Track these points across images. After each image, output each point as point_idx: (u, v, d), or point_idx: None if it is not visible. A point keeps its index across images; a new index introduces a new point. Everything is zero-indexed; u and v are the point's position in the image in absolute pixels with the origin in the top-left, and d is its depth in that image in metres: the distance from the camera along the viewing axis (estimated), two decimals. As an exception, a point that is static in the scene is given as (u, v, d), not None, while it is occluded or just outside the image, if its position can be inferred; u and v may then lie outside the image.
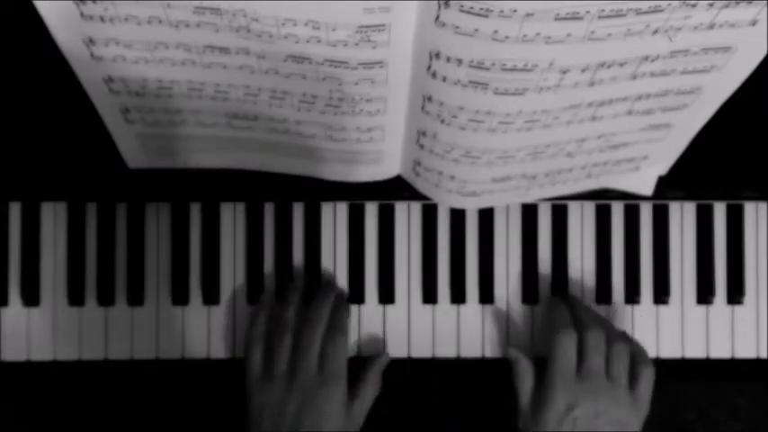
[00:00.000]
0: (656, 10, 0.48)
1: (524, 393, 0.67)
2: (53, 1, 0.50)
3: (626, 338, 0.69)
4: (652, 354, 0.72)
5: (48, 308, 0.72)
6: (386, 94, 0.57)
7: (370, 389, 0.69)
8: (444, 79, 0.54)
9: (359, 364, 0.70)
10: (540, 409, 0.65)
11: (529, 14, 0.47)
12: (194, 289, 0.73)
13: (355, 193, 0.71)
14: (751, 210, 0.74)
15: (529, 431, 0.66)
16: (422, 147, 0.63)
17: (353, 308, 0.73)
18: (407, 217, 0.74)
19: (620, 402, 0.65)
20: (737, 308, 0.74)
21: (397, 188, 0.69)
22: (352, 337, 0.72)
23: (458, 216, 0.73)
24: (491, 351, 0.73)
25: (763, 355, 0.73)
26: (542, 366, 0.67)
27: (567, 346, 0.66)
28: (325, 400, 0.65)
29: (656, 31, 0.51)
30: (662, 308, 0.74)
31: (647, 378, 0.66)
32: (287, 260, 0.73)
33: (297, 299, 0.70)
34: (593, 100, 0.57)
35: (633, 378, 0.66)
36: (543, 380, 0.66)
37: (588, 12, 0.47)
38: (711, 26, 0.51)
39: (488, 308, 0.73)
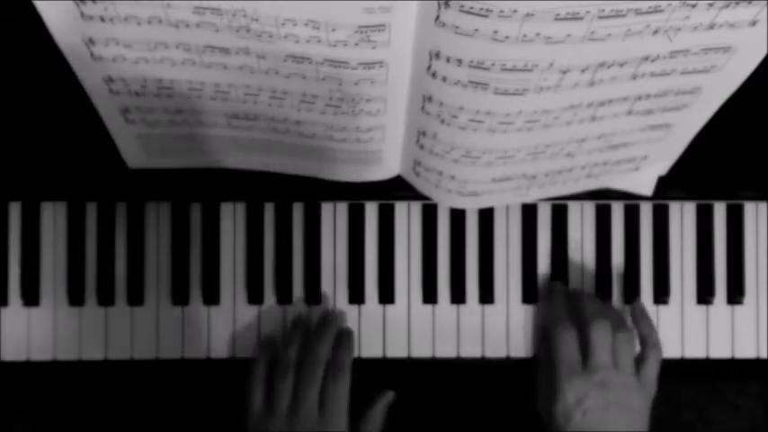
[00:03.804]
0: (656, 10, 0.48)
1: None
2: (53, 1, 0.50)
3: (635, 316, 0.70)
4: (652, 354, 0.72)
5: (48, 308, 0.72)
6: (386, 94, 0.57)
7: (371, 427, 0.70)
8: (444, 79, 0.54)
9: (360, 366, 0.70)
10: (550, 402, 0.66)
11: (529, 15, 0.47)
12: (194, 289, 0.73)
13: (355, 193, 0.71)
14: (751, 210, 0.74)
15: (545, 415, 0.67)
16: (422, 147, 0.63)
17: (353, 308, 0.73)
18: (407, 217, 0.74)
19: (628, 389, 0.66)
20: (737, 308, 0.74)
21: (397, 188, 0.69)
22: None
23: (458, 216, 0.73)
24: (491, 351, 0.73)
25: (763, 355, 0.73)
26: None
27: (567, 342, 0.67)
28: None
29: (656, 32, 0.51)
30: (662, 308, 0.74)
31: (654, 360, 0.68)
32: (287, 260, 0.73)
33: (299, 338, 0.70)
34: (593, 100, 0.57)
35: (640, 361, 0.67)
36: (552, 373, 0.67)
37: (588, 12, 0.47)
38: (711, 26, 0.51)
39: (488, 308, 0.73)
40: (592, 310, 0.69)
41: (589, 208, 0.74)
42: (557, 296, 0.71)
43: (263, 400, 0.67)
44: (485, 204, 0.70)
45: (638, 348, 0.69)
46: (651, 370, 0.67)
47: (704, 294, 0.73)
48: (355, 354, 0.72)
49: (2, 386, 0.72)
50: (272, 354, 0.70)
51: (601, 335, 0.66)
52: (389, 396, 0.72)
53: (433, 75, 0.54)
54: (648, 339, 0.69)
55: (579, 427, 0.64)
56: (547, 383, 0.68)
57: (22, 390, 0.75)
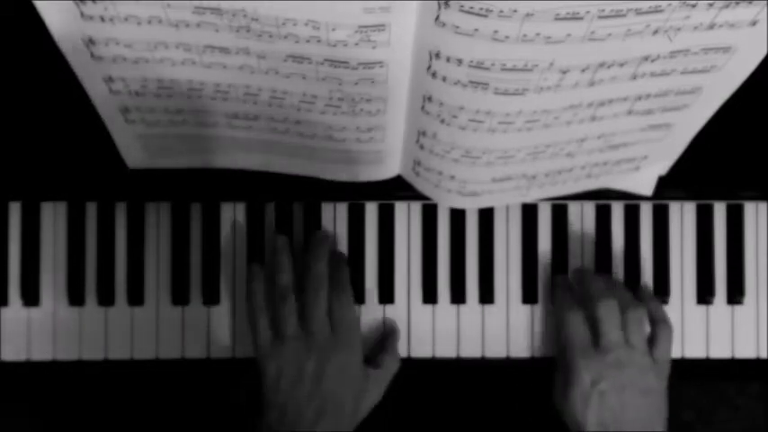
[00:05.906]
0: (656, 10, 0.49)
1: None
2: (53, 1, 0.50)
3: (639, 301, 0.69)
4: (652, 354, 0.72)
5: (48, 308, 0.72)
6: (386, 94, 0.57)
7: (391, 359, 0.70)
8: (444, 79, 0.54)
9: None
10: (567, 388, 0.66)
11: (529, 14, 0.47)
12: (194, 289, 0.73)
13: (355, 193, 0.71)
14: (751, 210, 0.74)
15: (561, 408, 0.67)
16: (422, 147, 0.63)
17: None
18: (407, 217, 0.74)
19: (643, 369, 0.65)
20: (737, 308, 0.74)
21: (397, 188, 0.69)
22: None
23: (458, 216, 0.73)
24: (491, 351, 0.73)
25: (763, 355, 0.73)
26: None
27: (575, 324, 0.67)
28: (344, 362, 0.65)
29: (656, 32, 0.51)
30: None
31: (666, 337, 0.68)
32: (287, 260, 0.73)
33: (287, 260, 0.69)
34: (593, 100, 0.57)
35: (651, 340, 0.67)
36: (567, 359, 0.67)
37: (588, 12, 0.47)
38: (711, 26, 0.51)
39: (488, 308, 0.73)
40: (597, 288, 0.68)
41: (589, 208, 0.74)
42: (562, 287, 0.71)
43: (269, 329, 0.66)
44: (485, 204, 0.70)
45: (648, 329, 0.69)
46: (664, 348, 0.67)
47: (704, 294, 0.73)
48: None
49: (2, 386, 0.72)
50: (263, 284, 0.68)
51: (608, 312, 0.66)
52: (398, 330, 0.72)
53: (433, 75, 0.54)
54: (657, 317, 0.69)
55: (598, 411, 0.64)
56: (563, 373, 0.67)
57: (22, 390, 0.75)
